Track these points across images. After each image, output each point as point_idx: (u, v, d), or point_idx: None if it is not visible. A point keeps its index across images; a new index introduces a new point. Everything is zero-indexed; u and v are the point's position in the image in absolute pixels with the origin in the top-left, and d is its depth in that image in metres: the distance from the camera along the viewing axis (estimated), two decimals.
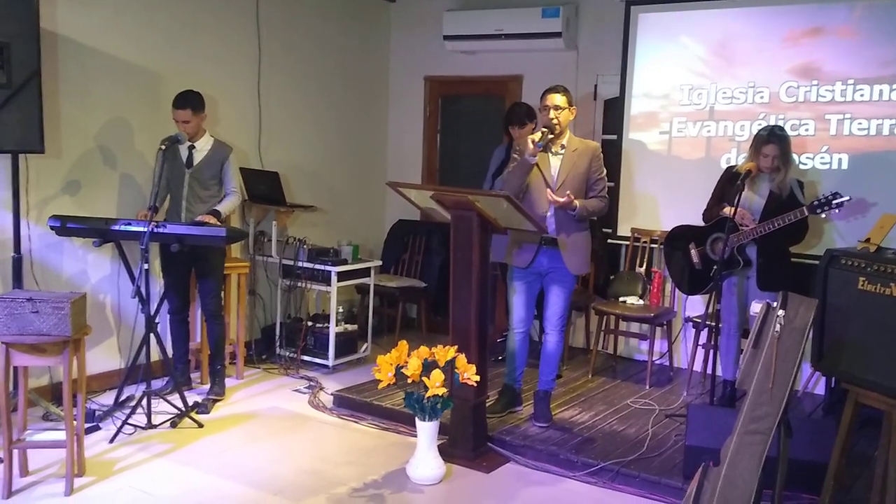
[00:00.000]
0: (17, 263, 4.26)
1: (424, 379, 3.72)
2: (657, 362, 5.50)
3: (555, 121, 4.16)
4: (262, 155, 5.77)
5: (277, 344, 5.71)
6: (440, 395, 3.71)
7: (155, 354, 4.64)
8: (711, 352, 4.66)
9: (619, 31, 5.69)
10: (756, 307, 3.21)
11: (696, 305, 5.48)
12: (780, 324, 3.03)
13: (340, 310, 5.62)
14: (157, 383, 4.75)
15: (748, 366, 3.11)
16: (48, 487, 3.61)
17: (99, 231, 4.35)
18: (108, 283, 4.91)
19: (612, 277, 5.80)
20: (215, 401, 4.76)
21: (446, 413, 3.90)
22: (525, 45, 6.01)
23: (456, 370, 3.79)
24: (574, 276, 4.38)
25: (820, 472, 3.45)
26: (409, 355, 3.79)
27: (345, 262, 5.53)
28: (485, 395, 4.18)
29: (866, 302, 3.26)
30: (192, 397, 4.71)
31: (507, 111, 5.46)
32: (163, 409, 4.43)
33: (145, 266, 4.16)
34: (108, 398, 4.67)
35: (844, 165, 4.99)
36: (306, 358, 5.57)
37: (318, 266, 5.47)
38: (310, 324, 5.61)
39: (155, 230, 4.23)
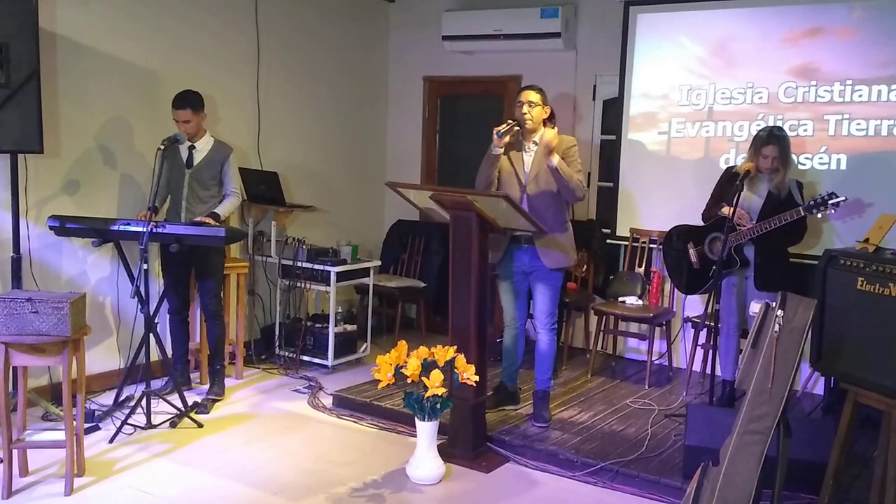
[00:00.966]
0: (17, 263, 4.26)
1: (424, 379, 3.72)
2: (656, 362, 5.50)
3: (527, 115, 4.20)
4: (261, 155, 5.77)
5: (277, 344, 5.71)
6: (439, 395, 3.72)
7: (154, 354, 4.64)
8: (710, 352, 4.66)
9: (618, 32, 5.70)
10: (755, 307, 3.22)
11: (695, 305, 5.48)
12: (779, 324, 3.03)
13: (340, 310, 5.62)
14: (156, 383, 4.75)
15: (747, 366, 3.11)
16: (48, 487, 3.61)
17: (98, 231, 4.35)
18: (107, 283, 4.91)
19: (611, 277, 5.80)
20: (215, 401, 4.76)
21: (446, 413, 3.91)
22: (524, 45, 6.01)
23: (455, 370, 3.79)
24: (559, 272, 4.38)
25: (819, 472, 3.46)
26: (408, 355, 3.79)
27: (344, 262, 5.54)
28: (484, 395, 4.19)
29: (865, 302, 3.27)
30: (192, 397, 4.71)
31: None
32: (162, 409, 4.43)
33: (144, 266, 4.16)
34: (107, 398, 4.67)
35: (843, 166, 5.00)
36: (306, 358, 5.57)
37: (317, 266, 5.47)
38: (309, 324, 5.61)
39: (154, 230, 4.23)
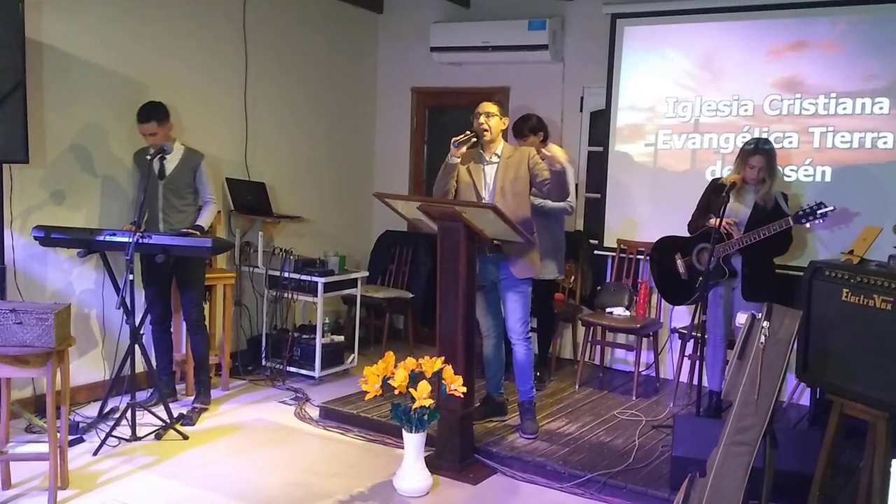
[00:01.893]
0: (1, 274, 4.23)
1: (411, 390, 3.71)
2: (644, 373, 5.51)
3: (484, 126, 4.24)
4: (248, 165, 5.76)
5: (263, 355, 5.68)
6: (427, 406, 3.71)
7: (139, 366, 4.61)
8: (697, 363, 4.68)
9: (605, 44, 5.73)
10: (741, 318, 3.23)
11: (682, 316, 5.50)
12: (765, 335, 3.04)
13: (327, 321, 5.60)
14: (141, 395, 4.72)
15: (734, 377, 3.12)
16: (31, 500, 3.57)
17: (83, 241, 4.32)
18: (92, 294, 4.88)
19: (598, 288, 5.81)
20: (201, 411, 4.73)
21: (433, 425, 3.89)
22: (512, 57, 6.04)
23: (443, 381, 3.78)
24: (527, 281, 4.38)
25: (805, 483, 3.47)
26: (395, 366, 3.78)
27: (331, 273, 5.52)
28: (472, 407, 4.18)
29: (850, 313, 3.29)
30: (177, 409, 4.67)
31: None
32: (147, 420, 4.39)
33: (130, 277, 4.14)
34: (92, 410, 4.63)
35: (828, 178, 5.04)
36: (292, 369, 5.55)
37: (304, 277, 5.46)
38: (296, 335, 5.59)
39: (140, 241, 4.21)
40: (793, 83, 5.11)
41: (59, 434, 3.56)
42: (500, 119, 4.30)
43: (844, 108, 4.96)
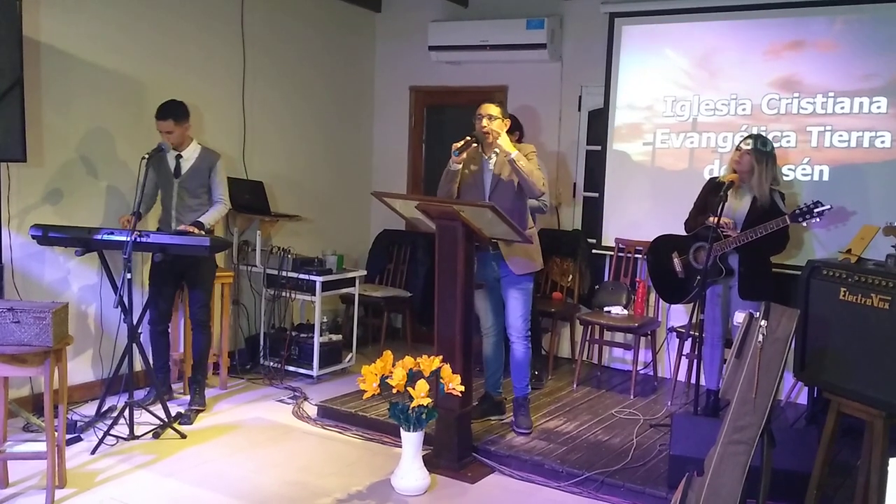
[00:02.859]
0: None
1: (409, 389, 3.72)
2: (641, 372, 5.51)
3: (487, 129, 4.25)
4: (246, 164, 5.76)
5: (261, 354, 5.68)
6: (425, 405, 3.71)
7: (137, 365, 4.60)
8: (695, 362, 4.68)
9: (604, 43, 5.73)
10: (739, 317, 3.24)
11: (679, 315, 5.51)
12: (763, 334, 3.05)
13: (325, 320, 5.60)
14: (139, 394, 4.70)
15: (731, 376, 3.13)
16: (28, 499, 3.57)
17: (81, 240, 4.31)
18: (90, 293, 4.87)
19: (596, 287, 5.82)
20: (198, 411, 4.72)
21: (431, 423, 3.89)
22: (510, 56, 6.04)
23: (441, 380, 3.78)
24: (528, 277, 4.39)
25: (803, 482, 3.47)
26: (393, 365, 3.78)
27: (329, 272, 5.52)
28: (470, 406, 4.18)
29: (848, 312, 3.30)
30: (174, 408, 4.67)
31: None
32: (145, 419, 4.39)
33: (128, 276, 4.13)
34: (89, 409, 4.63)
35: (825, 177, 5.04)
36: (290, 368, 5.55)
37: (302, 276, 5.45)
38: (294, 334, 5.59)
39: (138, 240, 4.20)
40: (791, 82, 5.12)
41: (56, 433, 3.56)
42: (502, 120, 4.31)
43: (842, 108, 4.97)
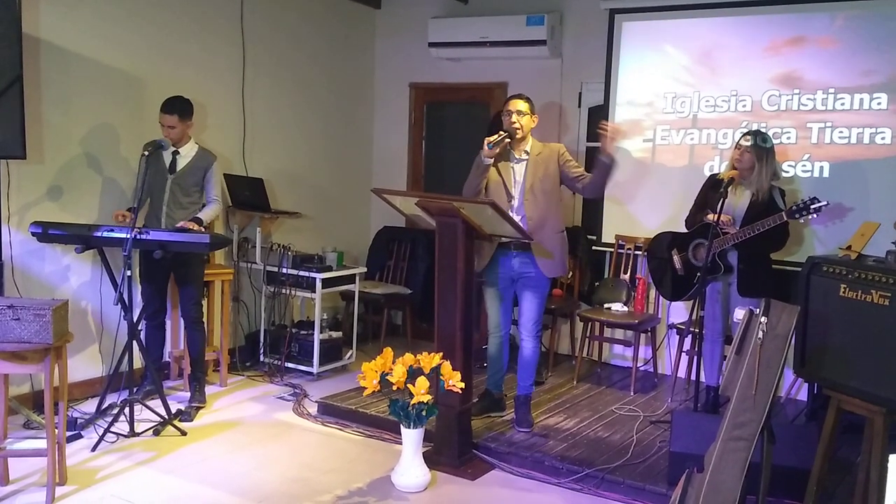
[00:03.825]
0: None
1: (409, 386, 3.72)
2: (641, 369, 5.51)
3: (516, 125, 4.21)
4: (246, 161, 5.75)
5: (261, 351, 5.69)
6: (425, 402, 3.71)
7: (137, 362, 4.60)
8: (695, 358, 4.68)
9: (604, 40, 5.73)
10: (739, 314, 3.24)
11: (679, 312, 5.50)
12: (763, 330, 3.05)
13: (325, 317, 5.60)
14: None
15: (731, 372, 3.12)
16: (29, 496, 3.57)
17: (81, 237, 4.31)
18: (89, 290, 4.87)
19: (596, 284, 5.82)
20: (198, 408, 4.72)
21: (431, 420, 3.90)
22: (510, 52, 6.03)
23: (441, 377, 3.79)
24: (547, 279, 4.38)
25: (803, 478, 3.47)
26: (393, 362, 3.79)
27: (329, 269, 5.52)
28: (470, 402, 4.19)
29: (848, 309, 3.29)
30: (174, 405, 4.67)
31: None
32: (145, 416, 4.39)
33: (128, 273, 4.13)
34: (90, 406, 4.63)
35: (826, 173, 5.04)
36: (290, 365, 5.55)
37: (302, 273, 5.45)
38: (294, 331, 5.59)
39: (138, 237, 4.20)
40: (791, 79, 5.11)
41: (57, 430, 3.57)
42: (531, 116, 4.27)
43: (843, 104, 4.96)
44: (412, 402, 3.71)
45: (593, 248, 5.90)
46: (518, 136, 4.24)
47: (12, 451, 3.57)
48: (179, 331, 5.17)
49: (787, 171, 5.11)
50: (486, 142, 4.17)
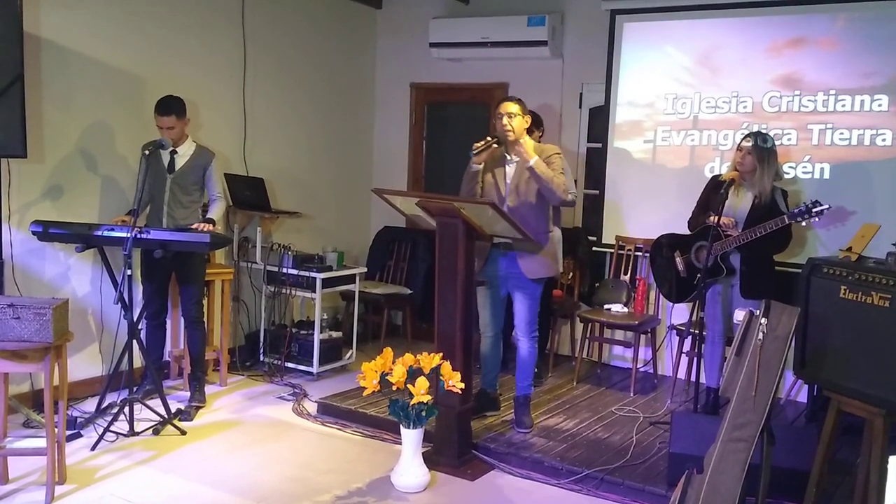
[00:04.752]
0: None
1: (409, 386, 3.72)
2: (642, 370, 5.51)
3: (507, 127, 4.20)
4: (246, 161, 5.75)
5: (261, 351, 5.68)
6: (425, 402, 3.71)
7: (137, 361, 4.60)
8: (695, 359, 4.68)
9: (605, 41, 5.73)
10: (739, 315, 3.23)
11: (680, 313, 5.50)
12: (763, 332, 3.04)
13: (325, 317, 5.60)
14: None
15: (731, 374, 3.12)
16: (29, 495, 3.57)
17: (82, 236, 4.31)
18: (90, 289, 4.87)
19: (596, 285, 5.82)
20: (198, 408, 4.72)
21: (431, 420, 3.90)
22: (511, 53, 6.03)
23: (441, 377, 3.79)
24: (538, 282, 4.36)
25: (802, 480, 3.47)
26: (393, 362, 3.79)
27: (329, 269, 5.52)
28: (470, 403, 4.18)
29: (848, 310, 3.29)
30: (174, 405, 4.66)
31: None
32: (145, 416, 4.39)
33: (128, 272, 4.13)
34: (89, 405, 4.63)
35: (826, 174, 5.04)
36: (290, 365, 5.55)
37: (302, 272, 5.45)
38: (294, 331, 5.59)
39: (138, 236, 4.20)
40: (792, 80, 5.11)
41: (56, 429, 3.57)
42: (523, 118, 4.26)
43: (843, 105, 4.96)
44: (412, 403, 3.71)
45: (593, 248, 5.89)
46: (511, 139, 4.23)
47: (12, 449, 3.57)
48: (179, 330, 5.17)
49: (787, 173, 5.11)
50: (472, 148, 4.19)
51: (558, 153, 4.32)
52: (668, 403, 5.03)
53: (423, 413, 3.75)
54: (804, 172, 5.10)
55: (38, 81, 4.46)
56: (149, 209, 4.73)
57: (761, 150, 4.35)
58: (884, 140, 4.85)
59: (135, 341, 4.37)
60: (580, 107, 6.04)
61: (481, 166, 4.27)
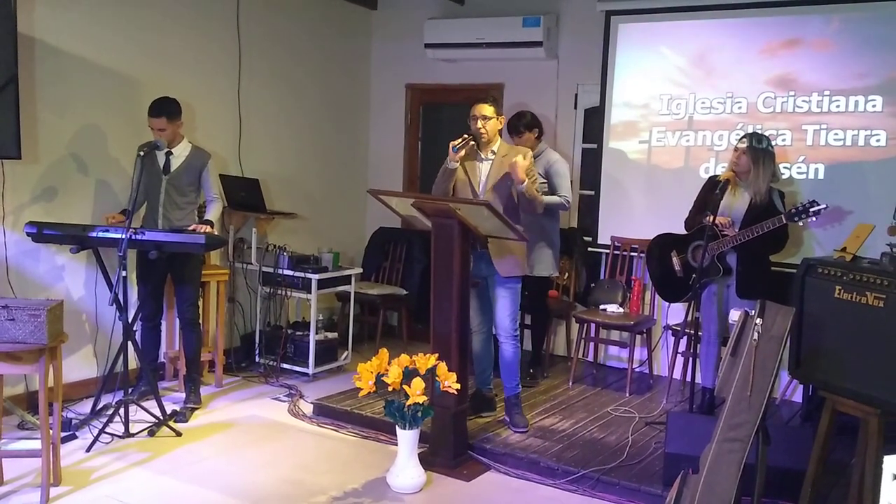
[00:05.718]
0: None
1: (405, 387, 3.71)
2: (637, 370, 5.52)
3: (482, 129, 4.28)
4: (242, 162, 5.75)
5: (257, 352, 5.68)
6: (421, 403, 3.71)
7: (132, 362, 4.60)
8: (691, 359, 4.69)
9: (600, 41, 5.73)
10: (734, 315, 3.24)
11: (675, 313, 5.51)
12: (758, 332, 3.05)
13: (321, 317, 5.60)
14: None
15: (726, 374, 3.13)
16: (23, 497, 3.56)
17: (76, 238, 4.30)
18: (85, 291, 4.86)
19: (592, 285, 5.82)
20: (193, 409, 4.72)
21: (427, 421, 3.89)
22: (506, 54, 6.04)
23: (437, 378, 3.79)
24: (515, 280, 4.38)
25: (798, 480, 3.48)
26: (389, 363, 3.78)
27: (325, 270, 5.52)
28: (465, 404, 4.19)
29: (842, 310, 3.30)
30: (169, 406, 4.65)
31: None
32: (140, 417, 4.38)
33: (123, 273, 4.12)
34: (84, 406, 4.62)
35: (821, 175, 5.05)
36: (286, 366, 5.54)
37: (298, 273, 5.45)
38: (290, 331, 5.58)
39: (133, 237, 4.19)
40: (786, 81, 5.13)
41: (51, 431, 3.55)
42: (497, 119, 4.34)
43: (838, 106, 4.98)
44: (408, 403, 3.71)
45: (589, 249, 5.90)
46: (484, 140, 4.32)
47: (6, 451, 3.56)
48: (175, 331, 5.16)
49: (782, 173, 5.12)
50: (450, 146, 4.23)
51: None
52: (663, 403, 5.04)
53: (419, 414, 3.75)
54: (799, 173, 5.12)
55: (32, 82, 4.45)
56: (144, 210, 4.72)
57: (756, 151, 4.36)
58: (878, 140, 4.87)
59: (130, 342, 4.36)
60: (575, 107, 6.05)
61: (458, 164, 4.31)
